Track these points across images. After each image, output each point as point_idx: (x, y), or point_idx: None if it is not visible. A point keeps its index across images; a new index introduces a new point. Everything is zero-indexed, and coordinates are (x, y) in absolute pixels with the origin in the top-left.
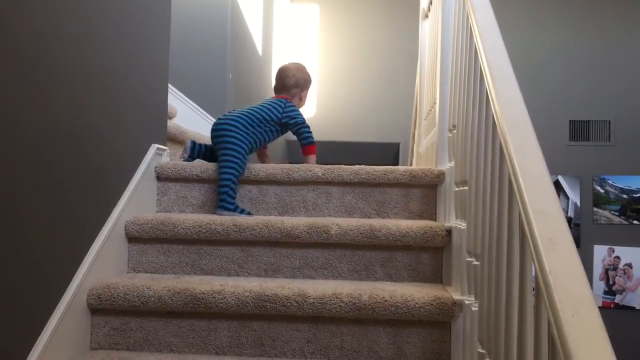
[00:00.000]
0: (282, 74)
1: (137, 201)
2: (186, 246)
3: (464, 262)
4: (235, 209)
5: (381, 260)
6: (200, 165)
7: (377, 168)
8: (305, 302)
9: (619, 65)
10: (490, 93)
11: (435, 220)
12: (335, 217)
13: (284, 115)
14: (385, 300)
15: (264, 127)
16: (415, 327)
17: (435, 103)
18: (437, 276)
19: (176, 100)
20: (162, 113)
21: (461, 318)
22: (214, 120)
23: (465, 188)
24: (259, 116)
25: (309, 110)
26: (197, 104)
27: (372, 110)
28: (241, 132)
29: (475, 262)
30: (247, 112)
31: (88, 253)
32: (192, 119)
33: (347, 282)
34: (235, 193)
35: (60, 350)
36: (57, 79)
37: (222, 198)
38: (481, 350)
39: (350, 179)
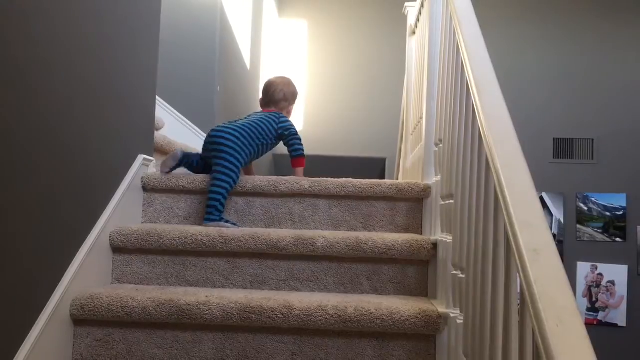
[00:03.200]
0: (270, 88)
1: (122, 211)
2: (171, 257)
3: (449, 275)
4: (221, 220)
5: (367, 273)
6: (187, 177)
7: (364, 181)
8: (291, 314)
9: (602, 84)
10: (477, 107)
11: (421, 233)
12: (322, 229)
13: (279, 126)
14: (371, 313)
15: (261, 139)
16: (401, 340)
17: (421, 118)
18: (423, 289)
19: (164, 112)
20: (150, 123)
21: (446, 331)
22: (202, 132)
23: (451, 202)
24: (258, 129)
25: (296, 125)
26: (185, 116)
27: (359, 125)
28: (239, 144)
29: (461, 275)
30: (247, 124)
31: (72, 263)
32: (179, 131)
33: (333, 295)
34: (223, 207)
35: None
36: (45, 84)
37: (210, 211)
38: None
39: (337, 191)
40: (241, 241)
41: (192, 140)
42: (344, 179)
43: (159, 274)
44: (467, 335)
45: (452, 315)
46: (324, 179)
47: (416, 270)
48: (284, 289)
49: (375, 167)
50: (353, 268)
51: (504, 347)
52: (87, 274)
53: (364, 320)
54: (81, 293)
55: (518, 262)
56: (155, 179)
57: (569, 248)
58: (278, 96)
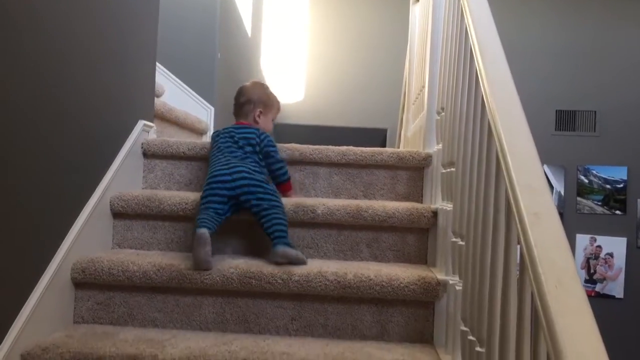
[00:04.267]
0: (237, 93)
1: (122, 177)
2: (172, 223)
3: (449, 242)
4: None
5: (367, 241)
6: (188, 143)
7: (365, 149)
8: (291, 279)
9: (606, 57)
10: (480, 73)
11: (422, 202)
12: (322, 197)
13: (264, 144)
14: (370, 279)
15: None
16: (399, 306)
17: (424, 86)
18: (422, 257)
19: (164, 78)
20: (150, 89)
21: (445, 298)
22: (202, 100)
23: (452, 169)
24: (251, 146)
25: (296, 95)
26: (185, 83)
27: (360, 96)
28: (257, 171)
29: (461, 242)
30: (240, 152)
31: (72, 227)
32: (180, 98)
33: (333, 262)
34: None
35: (43, 323)
36: (43, 47)
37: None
38: (464, 328)
39: (338, 159)
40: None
41: (193, 107)
42: (345, 147)
43: (159, 239)
44: (466, 301)
45: (451, 282)
46: (325, 146)
47: (416, 238)
48: None
49: (377, 138)
50: (353, 235)
51: (503, 311)
52: (87, 238)
53: (363, 287)
54: (82, 257)
55: (519, 225)
56: (156, 145)
57: (568, 220)
58: (241, 100)
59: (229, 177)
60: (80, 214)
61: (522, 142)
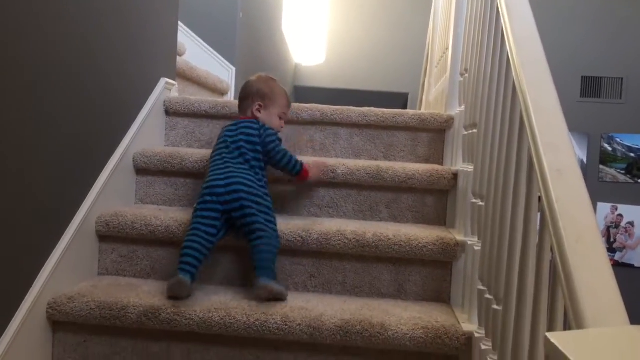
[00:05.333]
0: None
1: (145, 134)
2: (194, 180)
3: (469, 204)
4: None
5: (386, 202)
6: (209, 101)
7: (386, 111)
8: (310, 237)
9: (634, 23)
10: (506, 30)
11: (442, 164)
12: (343, 158)
13: (264, 137)
14: (389, 239)
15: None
16: (417, 266)
17: (447, 49)
18: (441, 219)
19: (185, 37)
20: (172, 47)
21: (463, 259)
22: (224, 60)
23: (474, 131)
24: (251, 144)
25: (317, 57)
26: (207, 43)
27: (382, 59)
28: (256, 182)
29: (481, 203)
30: (236, 155)
31: (96, 182)
32: (201, 58)
33: (352, 221)
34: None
35: (69, 273)
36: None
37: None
38: (481, 287)
39: (359, 120)
40: None
41: (214, 67)
42: (366, 108)
43: (181, 195)
44: (484, 260)
45: (469, 242)
46: (346, 107)
47: (435, 199)
48: (303, 214)
49: (398, 102)
50: (372, 196)
51: (521, 268)
52: (111, 193)
53: (381, 246)
54: (106, 211)
55: (540, 183)
56: (178, 103)
57: (590, 188)
58: (241, 94)
59: (222, 190)
60: (105, 169)
61: (546, 99)
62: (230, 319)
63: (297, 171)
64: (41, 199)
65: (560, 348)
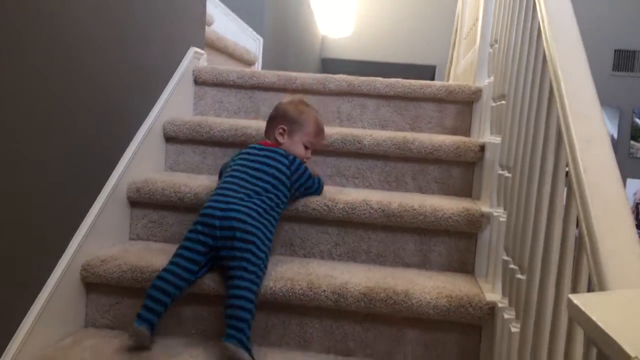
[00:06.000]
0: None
1: (174, 103)
2: (222, 149)
3: (495, 175)
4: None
5: (412, 173)
6: (237, 71)
7: (414, 82)
8: (336, 207)
9: None
10: (538, 0)
11: (469, 136)
12: (369, 129)
13: (293, 177)
14: (414, 209)
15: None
16: (442, 236)
17: (477, 20)
18: (467, 191)
19: (214, 7)
20: (201, 16)
21: (488, 230)
22: (251, 30)
23: (503, 102)
24: (273, 178)
25: (345, 29)
26: (235, 13)
27: (410, 32)
28: (259, 218)
29: (507, 175)
30: (255, 185)
31: (127, 149)
32: (229, 28)
33: (378, 192)
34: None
35: (101, 237)
36: None
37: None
38: (506, 258)
39: (386, 91)
40: None
41: (242, 38)
42: (394, 79)
43: (209, 164)
44: (510, 231)
45: (495, 214)
46: (373, 78)
47: (461, 171)
48: (329, 184)
49: (425, 75)
50: (398, 167)
51: (547, 237)
52: (141, 160)
53: (407, 216)
54: (137, 177)
55: (569, 152)
56: (207, 72)
57: (620, 164)
58: (270, 114)
59: (217, 222)
60: (135, 136)
61: (577, 69)
62: None
63: (320, 192)
64: (76, 162)
65: (583, 308)
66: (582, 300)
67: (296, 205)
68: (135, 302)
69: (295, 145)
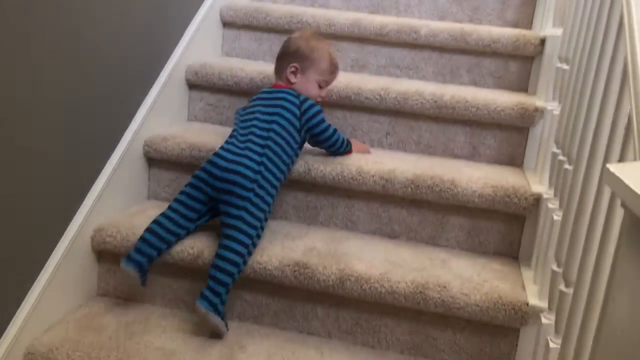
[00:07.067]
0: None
1: None
2: (277, 35)
3: (553, 69)
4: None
5: (467, 66)
6: None
7: None
8: (388, 96)
9: None
10: None
11: (530, 30)
12: (426, 19)
13: (303, 118)
14: (467, 101)
15: (287, 146)
16: (493, 130)
17: None
18: (523, 86)
19: None
20: None
21: (540, 124)
22: None
23: None
24: (286, 120)
25: None
26: None
27: None
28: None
29: (566, 67)
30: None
31: (185, 33)
32: None
33: (431, 84)
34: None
35: (161, 117)
36: None
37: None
38: (556, 150)
39: None
40: (344, 26)
41: None
42: None
43: (265, 50)
44: (562, 123)
45: (549, 107)
46: None
47: (519, 65)
48: (382, 74)
49: None
50: (454, 59)
51: (597, 128)
52: (198, 44)
53: (459, 107)
54: (194, 61)
55: (628, 42)
56: None
57: None
58: (281, 51)
59: (218, 171)
60: (192, 20)
61: None
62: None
63: (343, 152)
64: (134, 46)
65: (619, 175)
66: (619, 169)
67: (348, 94)
68: None
69: (308, 84)
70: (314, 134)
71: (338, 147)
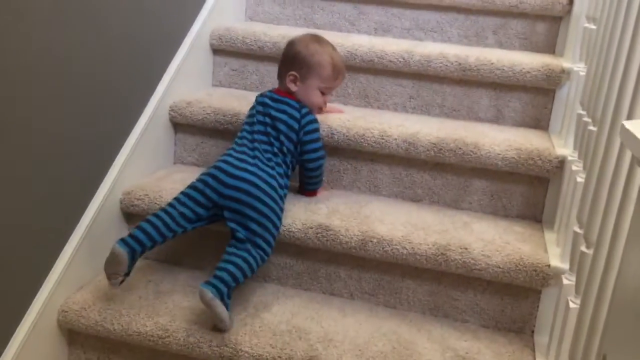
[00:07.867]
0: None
1: None
2: None
3: (581, 28)
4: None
5: (493, 27)
6: None
7: None
8: (412, 59)
9: None
10: None
11: None
12: None
13: (300, 133)
14: (492, 63)
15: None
16: (519, 92)
17: None
18: (550, 47)
19: None
20: None
21: (567, 86)
22: None
23: None
24: (287, 137)
25: None
26: None
27: None
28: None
29: (593, 27)
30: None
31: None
32: None
33: (456, 46)
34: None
35: (186, 82)
36: None
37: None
38: (581, 112)
39: None
40: None
41: None
42: None
43: (288, 15)
44: (587, 84)
45: (575, 69)
46: None
47: (546, 26)
48: (407, 37)
49: None
50: (479, 21)
51: (621, 87)
52: (223, 8)
53: (483, 70)
54: (218, 25)
55: None
56: None
57: None
58: (282, 57)
59: (222, 188)
60: None
61: None
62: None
63: (311, 189)
64: (153, 13)
65: (632, 130)
66: (633, 125)
67: (372, 57)
68: (217, 143)
69: (308, 91)
70: (305, 150)
71: (317, 175)
